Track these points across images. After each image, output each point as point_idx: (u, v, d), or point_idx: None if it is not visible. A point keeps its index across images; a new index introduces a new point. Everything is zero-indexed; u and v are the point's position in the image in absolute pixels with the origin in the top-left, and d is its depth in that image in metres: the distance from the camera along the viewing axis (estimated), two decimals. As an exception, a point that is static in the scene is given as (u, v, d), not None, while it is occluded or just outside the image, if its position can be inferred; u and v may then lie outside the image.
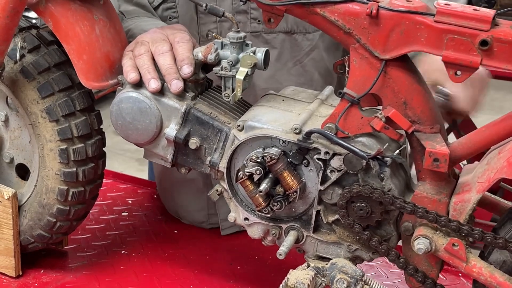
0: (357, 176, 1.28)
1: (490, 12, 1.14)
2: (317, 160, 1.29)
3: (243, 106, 1.44)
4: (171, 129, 1.37)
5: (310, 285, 1.27)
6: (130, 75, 1.37)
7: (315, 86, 1.70)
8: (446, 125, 1.69)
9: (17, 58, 1.44)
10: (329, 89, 1.45)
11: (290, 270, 1.30)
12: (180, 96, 1.37)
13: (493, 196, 1.38)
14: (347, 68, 1.36)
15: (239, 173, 1.33)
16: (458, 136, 2.31)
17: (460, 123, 2.28)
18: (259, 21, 1.66)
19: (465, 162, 1.42)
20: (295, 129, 1.29)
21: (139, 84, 1.38)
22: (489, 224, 1.63)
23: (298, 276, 1.28)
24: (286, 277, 1.29)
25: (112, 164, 2.29)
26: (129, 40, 1.50)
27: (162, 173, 1.93)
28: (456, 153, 1.23)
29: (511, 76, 2.96)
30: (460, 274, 1.63)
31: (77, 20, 1.39)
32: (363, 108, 1.27)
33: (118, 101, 1.39)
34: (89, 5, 1.42)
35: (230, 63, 1.32)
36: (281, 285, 1.28)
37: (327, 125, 1.27)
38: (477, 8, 1.16)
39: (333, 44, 1.75)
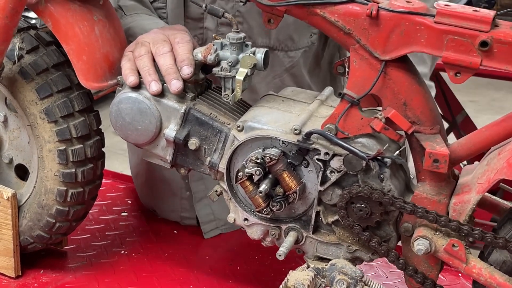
0: (356, 177, 1.28)
1: (490, 13, 1.14)
2: (316, 161, 1.29)
3: (242, 106, 1.43)
4: (171, 130, 1.37)
5: (310, 285, 1.27)
6: (129, 79, 1.36)
7: None
8: (446, 125, 1.68)
9: (16, 59, 1.44)
10: (328, 89, 1.44)
11: (290, 271, 1.30)
12: (180, 96, 1.37)
13: (492, 196, 1.38)
14: (347, 69, 1.36)
15: (239, 174, 1.33)
16: (458, 136, 2.32)
17: (460, 123, 2.28)
18: None
19: (465, 162, 1.42)
20: (295, 129, 1.28)
21: (138, 85, 1.37)
22: (489, 225, 1.63)
23: (298, 276, 1.28)
24: (286, 278, 1.28)
25: (112, 164, 2.29)
26: (129, 39, 1.50)
27: (137, 169, 1.94)
28: (456, 153, 1.23)
29: (511, 77, 2.96)
30: (460, 275, 1.62)
31: (77, 21, 1.39)
32: (363, 109, 1.26)
33: (118, 102, 1.39)
34: (88, 5, 1.42)
35: (230, 63, 1.32)
36: (281, 286, 1.28)
37: (327, 125, 1.27)
38: (477, 9, 1.16)
39: (315, 62, 1.73)
